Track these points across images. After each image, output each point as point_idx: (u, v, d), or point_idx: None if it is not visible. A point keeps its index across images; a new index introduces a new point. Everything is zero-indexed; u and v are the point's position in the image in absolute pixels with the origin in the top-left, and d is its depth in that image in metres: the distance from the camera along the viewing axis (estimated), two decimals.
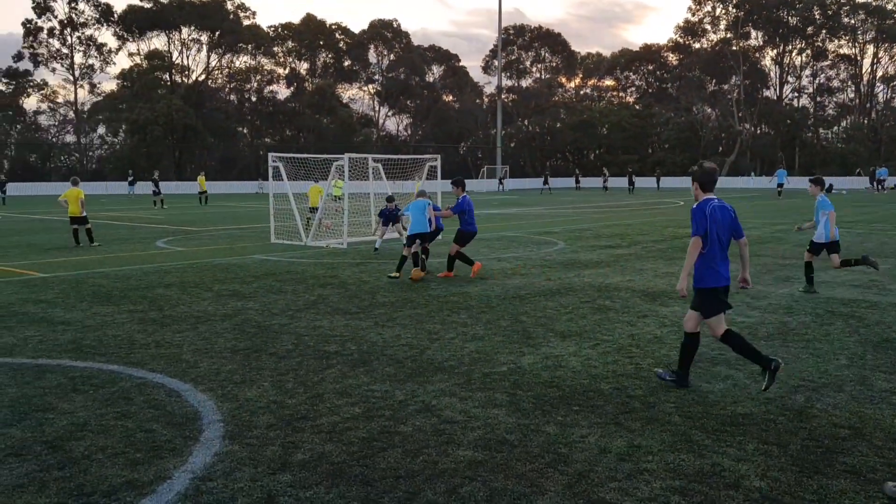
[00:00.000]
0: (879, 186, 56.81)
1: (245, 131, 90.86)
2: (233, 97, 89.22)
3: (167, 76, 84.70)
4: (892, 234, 20.95)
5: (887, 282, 12.23)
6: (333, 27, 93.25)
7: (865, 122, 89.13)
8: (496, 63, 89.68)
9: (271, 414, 5.87)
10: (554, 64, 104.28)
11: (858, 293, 11.23)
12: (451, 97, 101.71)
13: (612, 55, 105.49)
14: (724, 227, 6.45)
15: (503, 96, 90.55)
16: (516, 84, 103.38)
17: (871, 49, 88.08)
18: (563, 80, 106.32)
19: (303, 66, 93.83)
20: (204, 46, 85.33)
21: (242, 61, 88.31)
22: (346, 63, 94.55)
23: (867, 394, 6.23)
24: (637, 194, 56.34)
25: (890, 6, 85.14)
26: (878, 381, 6.59)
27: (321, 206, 20.51)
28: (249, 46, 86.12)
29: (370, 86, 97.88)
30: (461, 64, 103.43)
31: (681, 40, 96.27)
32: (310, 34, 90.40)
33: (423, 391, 6.42)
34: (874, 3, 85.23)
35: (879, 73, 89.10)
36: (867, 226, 23.86)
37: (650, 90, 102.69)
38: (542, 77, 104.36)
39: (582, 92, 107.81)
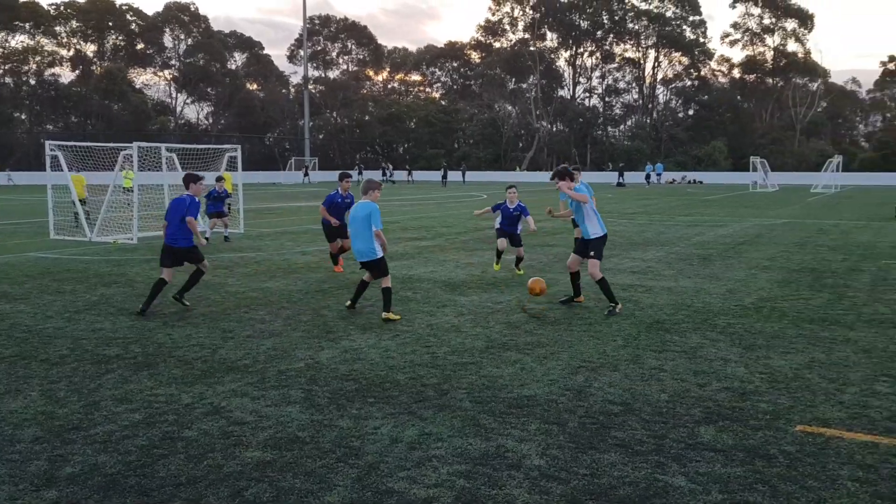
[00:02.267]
0: (653, 180, 62.52)
1: (23, 117, 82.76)
2: (8, 80, 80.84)
3: None
4: (668, 224, 22.99)
5: (661, 268, 13.36)
6: (124, 7, 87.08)
7: (648, 121, 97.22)
8: (302, 53, 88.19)
9: (38, 426, 5.34)
10: (361, 56, 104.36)
11: (636, 279, 12.17)
12: (255, 86, 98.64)
13: (418, 51, 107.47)
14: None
15: (310, 87, 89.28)
16: (323, 75, 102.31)
17: (652, 53, 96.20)
18: (371, 73, 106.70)
19: (90, 49, 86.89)
20: None
21: (19, 41, 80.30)
22: (139, 46, 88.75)
23: (639, 372, 6.75)
24: (447, 188, 57.76)
25: (669, 14, 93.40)
26: (648, 360, 7.15)
27: (112, 198, 19.09)
28: (27, 25, 78.42)
29: (166, 71, 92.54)
30: (266, 52, 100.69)
31: (482, 39, 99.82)
32: (97, 14, 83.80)
33: (213, 393, 6.13)
34: (655, 11, 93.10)
35: (660, 76, 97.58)
36: (647, 217, 26.04)
37: (455, 87, 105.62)
38: (350, 69, 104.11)
39: (390, 86, 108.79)
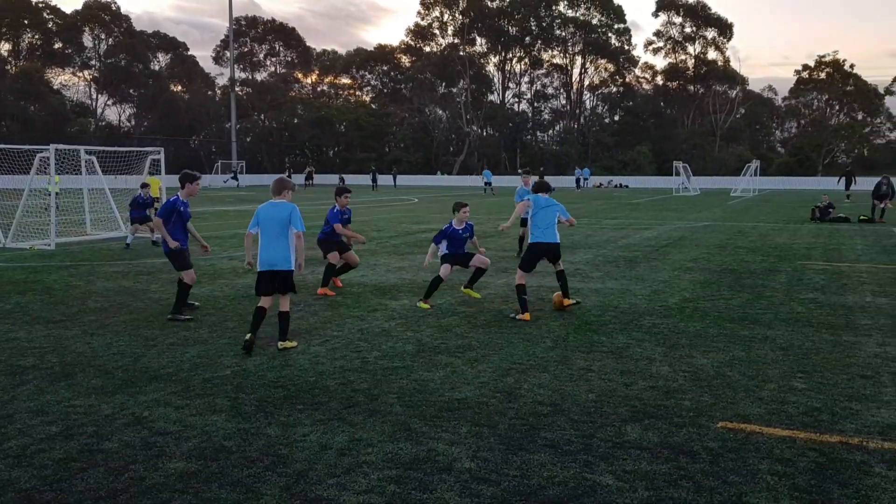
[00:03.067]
0: (583, 184, 63.75)
1: None
2: None
3: None
4: (595, 227, 23.42)
5: (589, 271, 13.59)
6: (40, 5, 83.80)
7: (576, 126, 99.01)
8: (228, 54, 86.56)
9: None
10: (289, 58, 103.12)
11: None
12: (180, 87, 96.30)
13: (347, 53, 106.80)
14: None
15: (237, 89, 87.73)
16: (251, 77, 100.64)
17: (579, 60, 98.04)
18: (300, 75, 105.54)
19: (4, 47, 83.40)
20: None
21: None
22: (57, 46, 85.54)
23: (567, 372, 6.83)
24: (378, 192, 57.53)
25: (595, 21, 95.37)
26: (577, 361, 7.26)
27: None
28: None
29: (86, 72, 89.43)
30: (190, 53, 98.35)
31: (413, 43, 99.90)
32: (11, 11, 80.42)
33: (135, 402, 5.93)
34: (582, 18, 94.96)
35: (587, 82, 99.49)
36: (576, 220, 26.44)
37: (385, 90, 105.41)
38: (278, 71, 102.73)
39: (319, 89, 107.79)
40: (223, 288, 11.53)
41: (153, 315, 9.44)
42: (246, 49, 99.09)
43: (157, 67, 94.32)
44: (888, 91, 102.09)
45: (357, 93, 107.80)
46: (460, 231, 10.37)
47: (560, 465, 4.70)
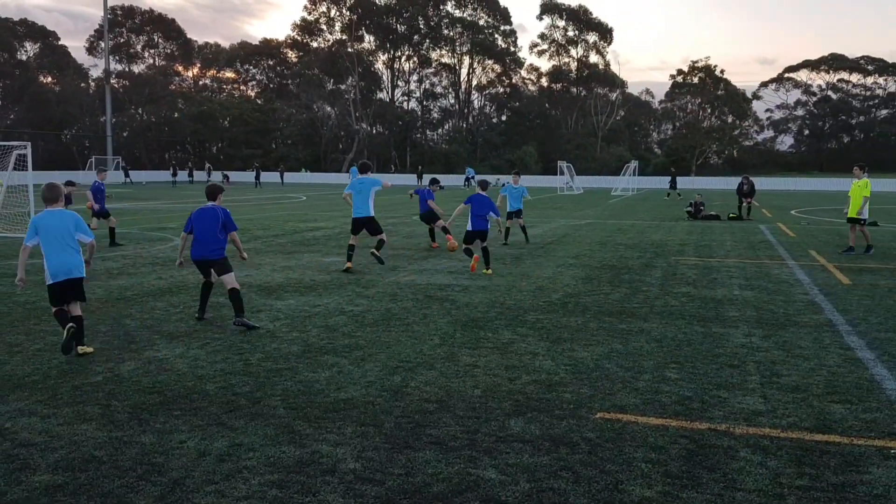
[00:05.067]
0: (468, 184, 64.74)
1: None
2: None
3: None
4: None
5: (478, 267, 13.74)
6: None
7: (464, 125, 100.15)
8: (103, 45, 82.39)
9: None
10: (169, 51, 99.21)
11: (453, 279, 12.45)
12: (50, 79, 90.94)
13: (231, 47, 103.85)
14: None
15: (113, 81, 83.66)
16: (127, 69, 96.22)
17: (467, 60, 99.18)
18: (180, 68, 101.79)
19: None
20: None
21: None
22: None
23: (454, 369, 6.89)
24: (262, 189, 56.23)
25: (482, 22, 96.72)
26: (463, 357, 7.33)
27: None
28: None
29: None
30: (61, 43, 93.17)
31: (299, 38, 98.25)
32: None
33: None
34: (469, 19, 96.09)
35: (475, 82, 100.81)
36: (465, 218, 26.72)
37: (272, 85, 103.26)
38: (157, 64, 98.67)
39: (201, 82, 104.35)
40: (96, 290, 10.96)
41: (17, 319, 8.86)
42: (122, 40, 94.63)
43: (24, 57, 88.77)
44: (755, 95, 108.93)
45: (242, 87, 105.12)
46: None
47: (445, 461, 4.72)
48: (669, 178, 47.40)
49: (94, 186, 16.97)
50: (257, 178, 62.23)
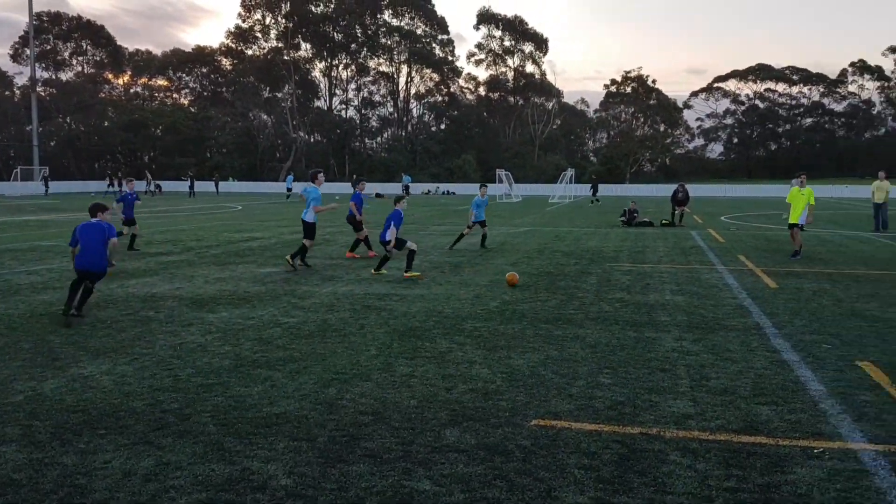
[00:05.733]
0: (406, 191, 64.89)
1: None
2: None
3: None
4: (423, 233, 23.75)
5: (416, 278, 13.72)
6: None
7: (403, 134, 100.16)
8: (28, 52, 79.65)
9: None
10: (98, 58, 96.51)
11: (391, 288, 12.39)
12: None
13: (163, 54, 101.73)
14: None
15: (39, 89, 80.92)
16: (54, 77, 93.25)
17: (405, 68, 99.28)
18: (110, 76, 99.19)
19: None
20: None
21: None
22: None
23: (390, 380, 6.83)
24: (196, 199, 55.12)
25: (419, 31, 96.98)
26: (400, 367, 7.28)
27: None
28: None
29: None
30: None
31: (233, 45, 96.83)
32: None
33: None
34: (406, 28, 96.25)
35: (413, 91, 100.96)
36: (403, 226, 26.66)
37: (206, 93, 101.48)
38: (86, 71, 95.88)
39: (132, 90, 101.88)
40: (18, 306, 10.54)
41: None
42: (49, 47, 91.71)
43: None
44: (686, 105, 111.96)
45: (174, 95, 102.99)
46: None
47: (379, 474, 4.67)
48: (591, 186, 50.41)
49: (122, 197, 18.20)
50: (191, 187, 60.90)
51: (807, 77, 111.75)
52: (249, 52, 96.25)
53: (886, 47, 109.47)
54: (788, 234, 17.43)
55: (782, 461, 4.90)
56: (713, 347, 8.11)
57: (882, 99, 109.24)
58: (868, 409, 5.99)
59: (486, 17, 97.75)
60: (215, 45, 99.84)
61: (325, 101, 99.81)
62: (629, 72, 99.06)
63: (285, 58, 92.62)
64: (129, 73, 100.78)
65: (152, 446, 5.14)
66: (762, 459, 4.93)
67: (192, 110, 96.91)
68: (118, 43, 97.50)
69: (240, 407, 6.00)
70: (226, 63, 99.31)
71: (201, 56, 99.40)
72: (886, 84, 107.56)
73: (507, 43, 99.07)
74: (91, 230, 9.72)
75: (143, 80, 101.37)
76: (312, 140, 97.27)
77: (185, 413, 5.85)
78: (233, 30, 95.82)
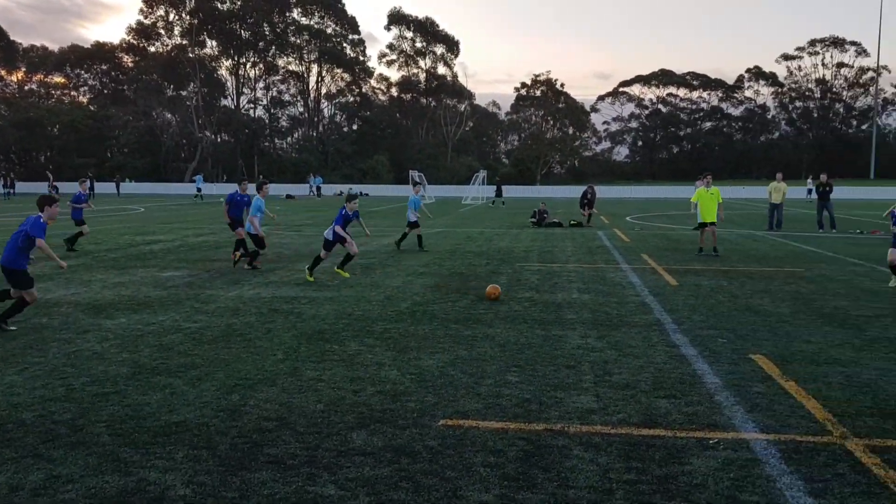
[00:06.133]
0: (317, 193, 64.31)
1: None
2: None
3: None
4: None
5: (325, 279, 13.55)
6: None
7: (314, 134, 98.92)
8: None
9: None
10: None
11: (300, 290, 12.19)
12: None
13: (61, 50, 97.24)
14: None
15: None
16: None
17: (315, 68, 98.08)
18: (3, 72, 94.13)
19: None
20: None
21: None
22: None
23: (297, 384, 6.71)
24: (95, 200, 52.88)
25: (329, 31, 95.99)
26: (307, 371, 7.16)
27: None
28: None
29: None
30: None
31: (135, 42, 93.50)
32: None
33: None
34: (316, 27, 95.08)
35: (324, 91, 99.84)
36: (314, 228, 26.38)
37: (106, 91, 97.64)
38: None
39: (27, 87, 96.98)
40: None
41: None
42: None
43: None
44: (593, 108, 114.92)
45: (73, 93, 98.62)
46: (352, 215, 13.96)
47: (282, 480, 4.57)
48: (495, 188, 51.30)
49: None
50: (91, 188, 58.39)
51: (706, 83, 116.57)
52: (152, 49, 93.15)
53: (780, 54, 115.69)
54: (699, 234, 18.06)
55: (679, 452, 5.07)
56: (616, 344, 8.33)
57: (776, 104, 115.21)
58: (760, 399, 6.26)
59: (396, 18, 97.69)
60: (116, 42, 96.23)
61: (233, 99, 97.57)
62: (538, 75, 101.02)
63: (190, 55, 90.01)
64: (24, 69, 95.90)
65: (42, 459, 4.88)
66: (661, 451, 5.08)
67: (92, 108, 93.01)
68: (11, 38, 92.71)
69: (137, 416, 5.78)
70: (127, 60, 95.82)
71: (101, 52, 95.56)
72: (780, 90, 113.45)
73: (418, 44, 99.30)
74: (24, 224, 9.04)
75: (39, 76, 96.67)
76: (219, 140, 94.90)
77: (77, 424, 5.59)
78: (135, 26, 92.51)
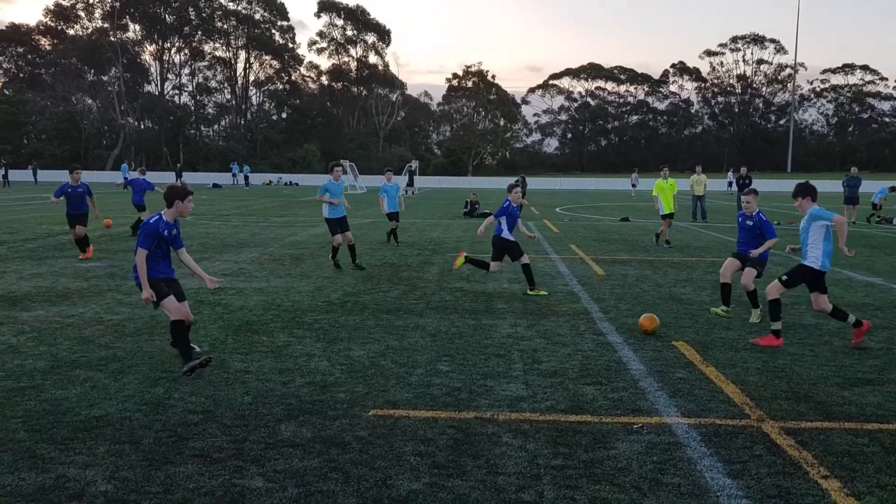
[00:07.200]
0: (245, 182, 63.31)
1: None
2: None
3: None
4: (263, 225, 23.13)
5: (254, 269, 13.34)
6: None
7: (242, 122, 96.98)
8: None
9: None
10: None
11: (228, 281, 11.94)
12: None
13: None
14: None
15: None
16: None
17: (243, 54, 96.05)
18: None
19: None
20: None
21: None
22: None
23: (223, 377, 6.58)
24: (10, 189, 50.70)
25: (258, 17, 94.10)
26: (234, 363, 7.03)
27: None
28: None
29: None
30: None
31: (53, 24, 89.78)
32: None
33: None
34: (244, 12, 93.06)
35: (252, 78, 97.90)
36: (242, 218, 25.90)
37: (22, 74, 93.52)
38: None
39: None
40: None
41: None
42: None
43: None
44: (524, 100, 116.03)
45: None
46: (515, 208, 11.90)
47: (208, 474, 4.48)
48: (407, 177, 51.85)
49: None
50: (5, 176, 55.93)
51: (633, 77, 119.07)
52: (72, 31, 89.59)
53: (703, 50, 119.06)
54: (663, 224, 18.28)
55: (605, 437, 5.19)
56: (545, 332, 8.46)
57: (699, 99, 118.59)
58: (682, 385, 6.46)
59: (326, 6, 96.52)
60: (33, 24, 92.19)
61: (157, 85, 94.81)
62: (470, 66, 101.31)
63: (112, 39, 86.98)
64: None
65: None
66: (587, 437, 5.19)
67: (7, 93, 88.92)
68: None
69: (55, 411, 5.57)
70: (45, 43, 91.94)
71: (16, 34, 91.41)
72: (703, 85, 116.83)
73: (349, 32, 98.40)
74: None
75: None
76: (143, 127, 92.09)
77: None
78: (52, 7, 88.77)
